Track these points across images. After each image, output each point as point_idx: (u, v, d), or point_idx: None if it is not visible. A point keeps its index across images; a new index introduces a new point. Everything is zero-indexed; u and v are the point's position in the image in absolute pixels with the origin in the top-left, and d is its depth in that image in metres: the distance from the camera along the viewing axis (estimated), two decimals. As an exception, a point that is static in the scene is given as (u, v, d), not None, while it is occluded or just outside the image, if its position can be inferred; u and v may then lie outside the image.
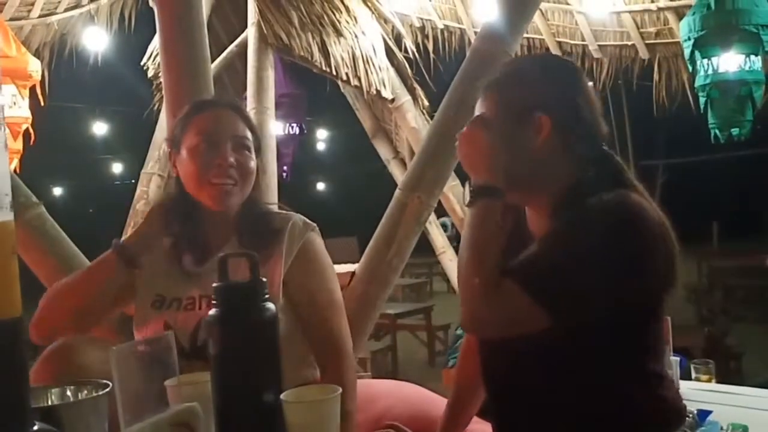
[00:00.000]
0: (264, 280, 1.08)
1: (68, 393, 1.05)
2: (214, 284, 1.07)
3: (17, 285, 0.83)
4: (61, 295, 1.52)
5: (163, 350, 1.04)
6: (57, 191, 18.02)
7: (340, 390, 1.03)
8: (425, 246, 2.82)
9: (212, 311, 1.05)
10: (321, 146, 14.60)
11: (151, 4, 4.32)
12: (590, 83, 1.36)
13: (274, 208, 1.74)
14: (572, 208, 1.22)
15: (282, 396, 1.02)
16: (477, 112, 1.35)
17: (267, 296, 1.07)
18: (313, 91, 5.41)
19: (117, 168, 17.69)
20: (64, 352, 1.40)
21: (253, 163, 1.59)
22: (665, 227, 1.21)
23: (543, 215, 1.31)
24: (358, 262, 2.70)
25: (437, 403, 1.68)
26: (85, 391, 1.04)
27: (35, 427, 0.83)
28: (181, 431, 0.99)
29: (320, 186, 20.64)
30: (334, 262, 1.73)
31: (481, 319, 1.18)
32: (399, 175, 5.19)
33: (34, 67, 3.73)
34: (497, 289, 1.15)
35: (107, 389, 1.00)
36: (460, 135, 1.31)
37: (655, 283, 1.21)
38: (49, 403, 1.03)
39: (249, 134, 1.60)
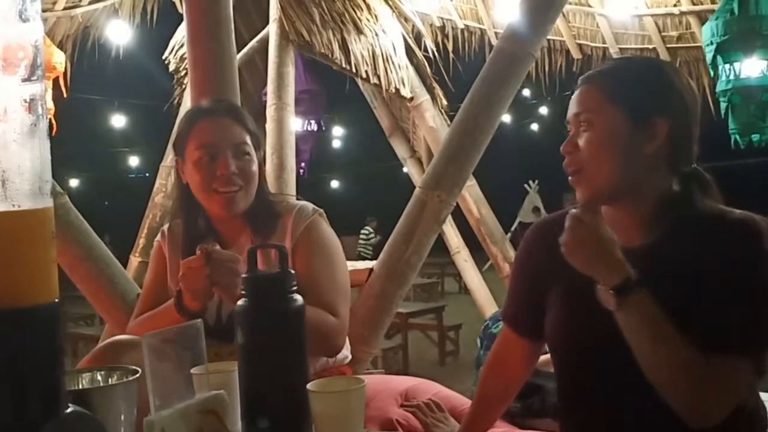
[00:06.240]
0: (292, 271, 1.10)
1: (98, 378, 1.07)
2: (243, 275, 1.09)
3: (55, 270, 0.84)
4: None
5: (192, 337, 1.06)
6: (73, 182, 18.16)
7: (366, 381, 1.04)
8: (437, 246, 2.82)
9: (241, 301, 1.07)
10: (337, 144, 14.63)
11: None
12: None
13: (290, 199, 1.80)
14: (678, 221, 1.19)
15: (308, 386, 1.03)
16: (575, 100, 1.25)
17: (294, 287, 1.08)
18: (331, 88, 5.43)
19: (133, 161, 17.79)
20: (112, 351, 1.45)
21: (254, 167, 1.66)
22: None
23: (634, 223, 1.24)
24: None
25: (455, 396, 1.69)
26: (115, 377, 1.06)
27: (69, 410, 0.84)
28: (208, 418, 1.01)
29: (334, 183, 20.67)
30: (346, 260, 1.76)
31: (714, 409, 1.10)
32: (415, 174, 5.20)
33: (58, 59, 3.77)
34: (710, 371, 1.09)
35: (137, 375, 1.02)
36: (565, 244, 1.17)
37: None
38: (81, 387, 1.05)
39: (248, 138, 1.66)
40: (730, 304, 1.12)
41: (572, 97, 1.27)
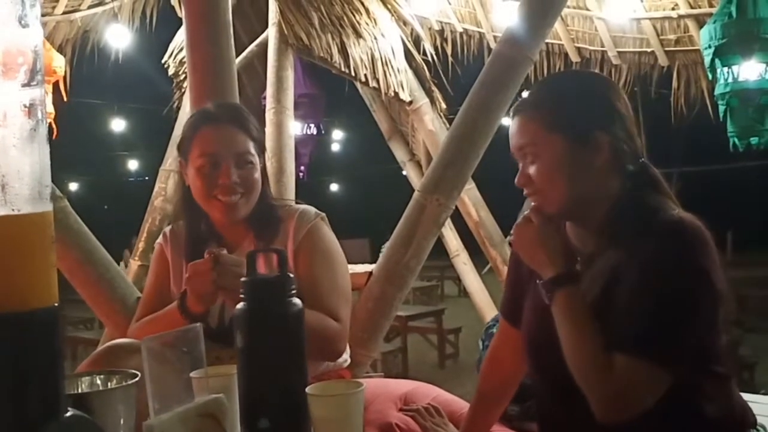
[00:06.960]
0: (291, 275, 1.10)
1: (97, 381, 1.08)
2: (243, 279, 1.10)
3: (55, 274, 0.85)
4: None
5: (191, 341, 1.06)
6: (72, 186, 18.17)
7: (365, 385, 1.04)
8: (436, 249, 2.82)
9: (240, 305, 1.08)
10: (336, 147, 14.65)
11: (173, 2, 4.37)
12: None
13: (292, 203, 1.80)
14: (622, 225, 1.23)
15: (307, 389, 1.04)
16: (516, 134, 1.30)
17: (294, 291, 1.09)
18: (330, 91, 5.45)
19: (132, 165, 17.82)
20: (111, 355, 1.45)
21: (257, 174, 1.65)
22: (709, 236, 1.21)
23: (589, 231, 1.30)
24: (369, 263, 2.73)
25: (454, 400, 1.69)
26: (114, 381, 1.06)
27: (68, 414, 0.84)
28: (207, 422, 1.01)
29: (334, 187, 20.70)
30: (348, 263, 1.76)
31: (616, 407, 1.13)
32: (414, 177, 5.20)
33: (58, 63, 3.78)
34: (613, 370, 1.12)
35: (136, 379, 1.02)
36: (513, 241, 1.32)
37: (721, 294, 1.21)
38: (80, 391, 1.06)
39: (251, 146, 1.64)
40: (637, 306, 1.16)
41: (511, 128, 1.31)
